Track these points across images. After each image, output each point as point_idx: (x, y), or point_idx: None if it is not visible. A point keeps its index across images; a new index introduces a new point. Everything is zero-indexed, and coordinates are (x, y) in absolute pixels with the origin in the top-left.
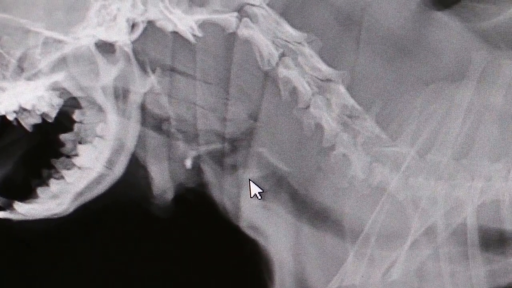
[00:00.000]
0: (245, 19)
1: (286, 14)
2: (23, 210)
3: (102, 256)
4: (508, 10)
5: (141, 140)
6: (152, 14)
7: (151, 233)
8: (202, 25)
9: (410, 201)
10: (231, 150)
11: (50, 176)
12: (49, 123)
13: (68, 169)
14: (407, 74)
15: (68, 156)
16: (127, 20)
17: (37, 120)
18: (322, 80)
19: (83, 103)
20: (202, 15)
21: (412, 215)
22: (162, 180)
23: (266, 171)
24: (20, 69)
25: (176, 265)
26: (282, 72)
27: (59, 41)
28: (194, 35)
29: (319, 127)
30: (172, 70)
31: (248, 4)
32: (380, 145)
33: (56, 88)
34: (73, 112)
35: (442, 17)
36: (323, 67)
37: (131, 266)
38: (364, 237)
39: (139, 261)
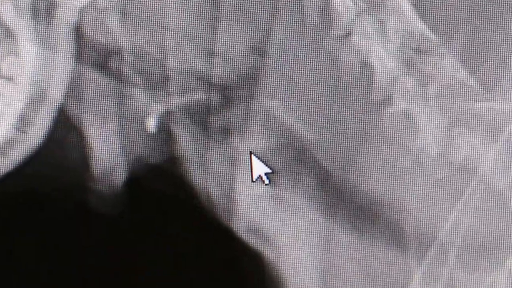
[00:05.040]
0: None
1: None
2: None
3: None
4: None
5: (75, 86)
6: None
7: (88, 238)
8: None
9: None
10: (221, 104)
11: None
12: None
13: None
14: None
15: None
16: None
17: None
18: None
19: None
20: None
21: None
22: (107, 151)
23: (278, 138)
24: None
25: None
26: None
27: None
28: None
29: (366, 66)
30: None
31: None
32: (466, 99)
33: None
34: None
35: None
36: None
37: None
38: (439, 249)
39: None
